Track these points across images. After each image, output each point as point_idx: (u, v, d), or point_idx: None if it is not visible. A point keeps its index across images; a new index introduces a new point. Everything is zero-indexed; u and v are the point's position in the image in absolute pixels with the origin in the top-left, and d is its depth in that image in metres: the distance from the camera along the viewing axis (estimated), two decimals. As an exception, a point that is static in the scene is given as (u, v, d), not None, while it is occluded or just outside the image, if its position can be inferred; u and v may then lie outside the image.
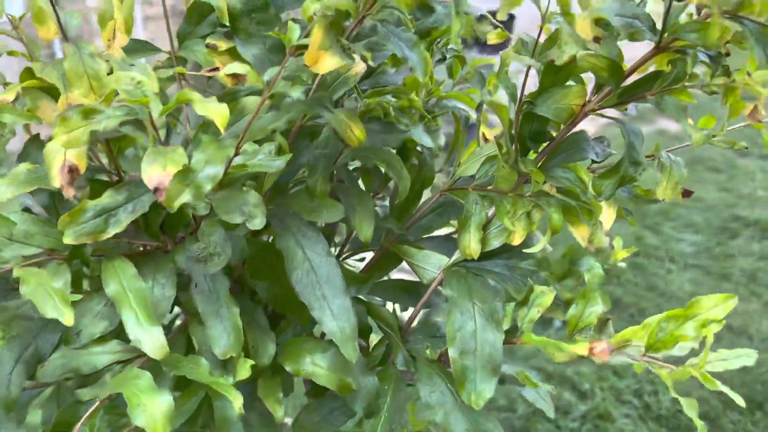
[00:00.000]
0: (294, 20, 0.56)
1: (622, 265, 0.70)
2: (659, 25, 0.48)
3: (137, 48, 0.67)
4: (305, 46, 0.48)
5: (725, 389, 0.51)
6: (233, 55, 0.64)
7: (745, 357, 0.53)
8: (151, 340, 0.48)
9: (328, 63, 0.47)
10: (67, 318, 0.45)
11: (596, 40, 0.45)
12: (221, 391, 0.47)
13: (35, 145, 0.61)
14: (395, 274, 0.80)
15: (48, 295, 0.45)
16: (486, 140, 0.71)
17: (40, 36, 0.57)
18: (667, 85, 0.48)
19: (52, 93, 0.60)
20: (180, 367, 0.50)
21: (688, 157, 3.65)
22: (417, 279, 0.69)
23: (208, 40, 0.63)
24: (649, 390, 2.24)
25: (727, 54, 0.50)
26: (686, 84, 0.47)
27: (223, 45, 0.64)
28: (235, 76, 0.65)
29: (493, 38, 0.65)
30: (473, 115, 0.67)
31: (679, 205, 3.15)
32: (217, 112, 0.47)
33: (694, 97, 0.51)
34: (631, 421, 2.14)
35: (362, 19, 0.52)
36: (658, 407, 2.18)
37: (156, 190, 0.47)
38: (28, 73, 0.60)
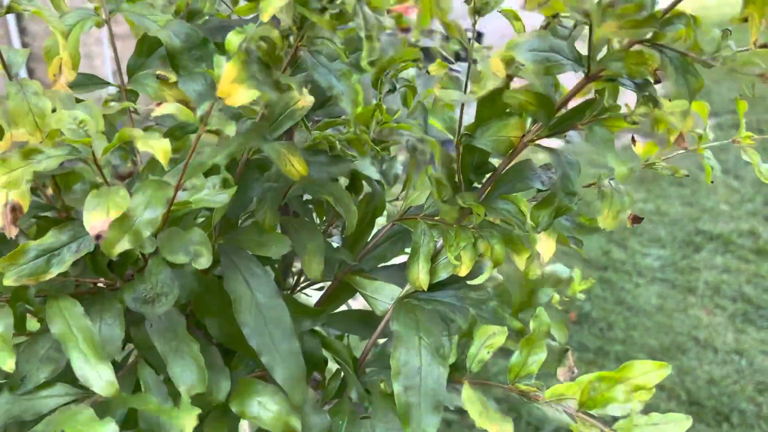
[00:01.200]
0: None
1: (581, 296, 0.71)
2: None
3: (86, 82, 0.67)
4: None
5: None
6: (184, 87, 0.64)
7: (677, 423, 0.51)
8: (100, 378, 0.48)
9: (242, 96, 0.46)
10: (9, 363, 0.45)
11: (509, 78, 0.46)
12: (171, 419, 0.47)
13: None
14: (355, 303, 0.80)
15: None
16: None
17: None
18: (596, 114, 0.49)
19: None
20: (128, 403, 0.49)
21: (653, 171, 3.71)
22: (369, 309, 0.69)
23: (159, 71, 0.63)
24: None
25: (657, 81, 0.51)
26: (610, 114, 0.48)
27: (173, 77, 0.64)
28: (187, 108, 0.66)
29: (434, 69, 0.66)
30: (419, 146, 0.68)
31: (645, 220, 3.20)
32: (159, 147, 0.47)
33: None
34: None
35: (296, 51, 0.53)
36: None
37: (98, 237, 0.47)
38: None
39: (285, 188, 0.61)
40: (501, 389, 0.54)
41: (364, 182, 0.70)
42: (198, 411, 0.50)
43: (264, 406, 0.54)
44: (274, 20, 0.52)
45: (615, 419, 0.53)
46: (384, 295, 0.63)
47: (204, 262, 0.49)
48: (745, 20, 0.41)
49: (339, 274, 0.68)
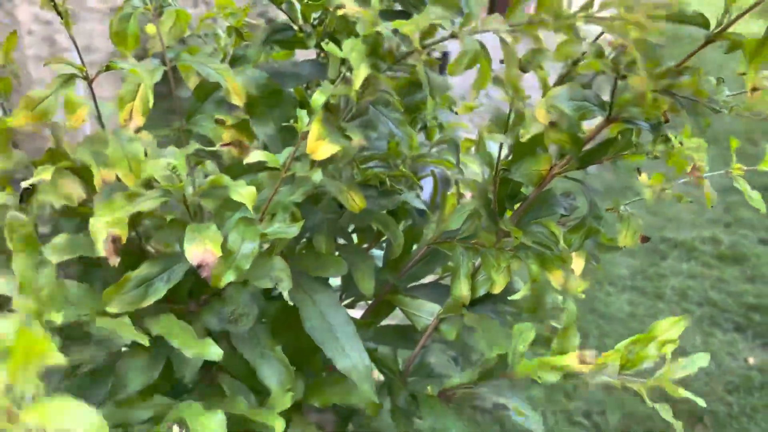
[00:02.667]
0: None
1: (582, 296, 0.79)
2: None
3: (149, 125, 0.73)
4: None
5: (688, 394, 0.61)
6: (238, 128, 0.72)
7: (699, 360, 0.62)
8: (210, 348, 0.55)
9: (325, 150, 0.55)
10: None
11: (552, 124, 0.54)
12: (264, 421, 0.54)
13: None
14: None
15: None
16: (461, 195, 0.81)
17: (69, 125, 0.63)
18: (618, 150, 0.59)
19: (76, 169, 0.66)
20: (221, 405, 0.56)
21: (619, 185, 3.88)
22: (406, 324, 0.77)
23: (217, 116, 0.70)
24: (597, 410, 2.36)
25: (666, 121, 0.61)
26: (633, 151, 0.57)
27: (229, 120, 0.71)
28: (241, 148, 0.73)
29: (462, 110, 0.75)
30: (452, 177, 0.77)
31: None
32: (247, 196, 0.55)
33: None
34: (583, 441, 2.24)
35: (358, 102, 0.61)
36: (606, 426, 2.29)
37: (199, 266, 0.54)
38: (51, 153, 0.67)
39: (337, 218, 0.68)
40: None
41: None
42: (291, 393, 0.57)
43: (346, 390, 0.61)
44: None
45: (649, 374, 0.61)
46: (425, 311, 0.71)
47: (286, 285, 0.57)
48: (743, 74, 0.51)
49: (380, 293, 0.76)
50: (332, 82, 0.68)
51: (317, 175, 0.53)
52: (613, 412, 2.34)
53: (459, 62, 0.39)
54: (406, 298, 0.72)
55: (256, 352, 0.60)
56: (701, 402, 0.58)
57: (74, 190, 0.64)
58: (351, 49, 0.46)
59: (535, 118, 0.54)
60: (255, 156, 0.55)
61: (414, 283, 0.79)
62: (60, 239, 0.60)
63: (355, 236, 0.79)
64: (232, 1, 0.78)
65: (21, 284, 0.44)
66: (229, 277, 0.52)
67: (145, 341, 0.52)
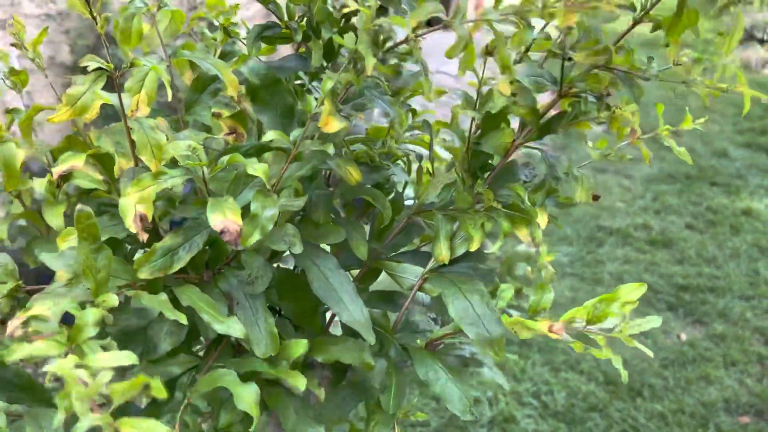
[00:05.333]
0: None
1: (549, 266, 0.90)
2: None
3: (152, 115, 0.80)
4: (319, 113, 0.65)
5: (639, 345, 0.70)
6: (235, 118, 0.80)
7: (651, 320, 0.71)
8: (235, 326, 0.62)
9: (335, 125, 0.64)
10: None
11: (513, 95, 0.65)
12: (288, 378, 0.62)
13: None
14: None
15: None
16: (430, 173, 0.91)
17: (85, 117, 0.70)
18: (570, 120, 0.70)
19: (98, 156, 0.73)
20: (246, 365, 0.64)
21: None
22: (389, 290, 0.86)
23: (214, 110, 0.78)
24: (545, 390, 2.50)
25: (608, 94, 0.72)
26: (583, 119, 0.69)
27: (225, 113, 0.79)
28: (237, 135, 0.81)
29: (433, 96, 0.85)
30: (424, 157, 0.87)
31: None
32: (261, 170, 0.63)
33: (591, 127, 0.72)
34: (533, 421, 2.36)
35: (350, 86, 0.70)
36: (554, 405, 2.42)
37: (222, 232, 0.61)
38: (69, 140, 0.74)
39: (329, 195, 0.77)
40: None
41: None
42: (304, 341, 0.66)
43: (341, 351, 0.70)
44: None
45: (608, 330, 0.71)
46: (409, 273, 0.80)
47: (298, 249, 0.65)
48: (667, 45, 0.63)
49: (367, 261, 0.85)
50: (316, 70, 0.77)
51: (331, 148, 0.62)
52: (559, 392, 2.48)
53: (455, 47, 0.49)
54: (392, 263, 0.81)
55: (251, 320, 0.67)
56: (650, 353, 0.68)
57: (97, 175, 0.71)
58: (359, 41, 0.55)
59: (500, 93, 0.65)
60: (268, 136, 0.63)
61: (395, 253, 0.88)
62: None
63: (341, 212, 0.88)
64: (222, 1, 0.86)
65: (84, 270, 0.51)
66: (256, 236, 0.60)
67: (183, 320, 0.59)
